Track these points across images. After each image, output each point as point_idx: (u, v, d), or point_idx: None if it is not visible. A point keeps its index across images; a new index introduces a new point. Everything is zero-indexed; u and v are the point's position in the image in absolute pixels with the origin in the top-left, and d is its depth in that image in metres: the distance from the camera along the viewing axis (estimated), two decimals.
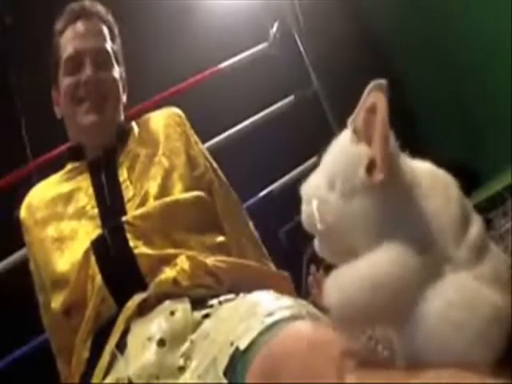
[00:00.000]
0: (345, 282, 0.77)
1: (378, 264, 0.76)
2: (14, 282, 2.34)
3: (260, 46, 3.52)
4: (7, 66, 3.15)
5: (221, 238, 1.59)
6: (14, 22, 3.15)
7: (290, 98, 3.53)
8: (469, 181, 3.32)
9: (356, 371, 0.79)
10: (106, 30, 1.75)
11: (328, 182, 0.82)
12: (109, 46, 1.73)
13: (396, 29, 3.97)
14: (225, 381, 1.02)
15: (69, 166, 1.73)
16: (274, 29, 3.55)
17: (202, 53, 3.47)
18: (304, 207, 0.84)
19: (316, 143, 3.48)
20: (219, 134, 3.21)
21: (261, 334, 1.02)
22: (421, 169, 0.83)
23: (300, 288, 3.14)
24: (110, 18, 1.78)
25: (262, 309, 1.11)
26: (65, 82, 1.70)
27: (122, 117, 1.76)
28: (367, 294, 0.75)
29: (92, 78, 1.66)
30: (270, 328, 1.02)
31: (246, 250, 1.68)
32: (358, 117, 0.80)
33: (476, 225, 0.81)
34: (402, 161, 0.82)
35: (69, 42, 1.70)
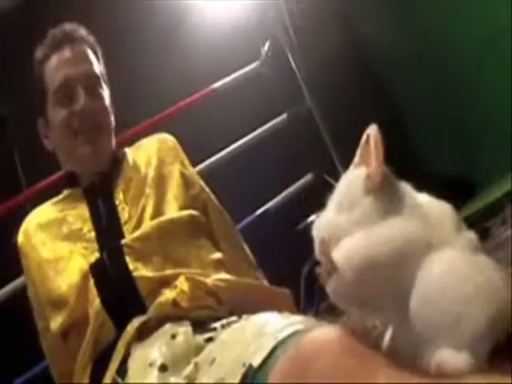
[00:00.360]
0: (354, 241, 0.83)
1: (385, 226, 0.82)
2: (13, 309, 2.33)
3: (252, 65, 3.53)
4: None
5: (218, 255, 1.58)
6: (3, 52, 3.14)
7: (283, 116, 3.54)
8: (465, 191, 3.32)
9: (386, 371, 0.79)
10: (91, 53, 1.71)
11: (337, 208, 0.88)
12: (97, 68, 1.70)
13: (386, 44, 3.99)
14: None
15: (64, 193, 1.72)
16: (266, 47, 3.56)
17: (192, 73, 3.46)
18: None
19: (311, 160, 3.50)
20: (213, 154, 3.20)
21: (275, 349, 0.98)
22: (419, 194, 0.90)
23: (299, 305, 3.14)
24: (91, 39, 1.74)
25: (271, 327, 1.08)
26: (57, 114, 1.65)
27: (114, 142, 1.74)
28: (375, 246, 0.80)
29: (86, 109, 1.62)
30: (284, 341, 0.99)
31: (242, 269, 1.66)
32: (357, 155, 0.89)
33: (470, 232, 0.85)
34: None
35: (56, 70, 1.65)
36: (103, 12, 3.38)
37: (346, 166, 3.18)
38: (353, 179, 0.88)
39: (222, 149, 3.27)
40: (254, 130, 3.42)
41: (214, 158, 3.19)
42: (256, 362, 0.98)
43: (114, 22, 3.40)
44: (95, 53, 1.73)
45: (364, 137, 0.87)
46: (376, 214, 0.83)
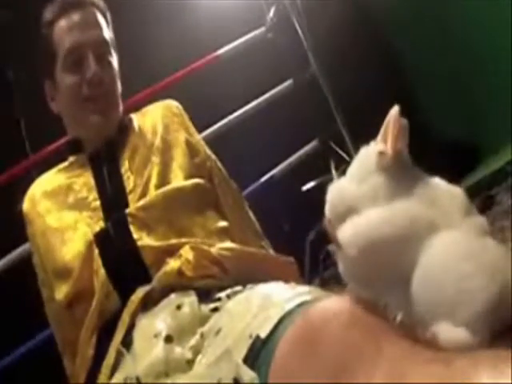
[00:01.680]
0: (358, 221, 0.84)
1: (390, 208, 0.83)
2: (17, 277, 2.34)
3: (257, 31, 3.50)
4: (5, 62, 3.12)
5: (223, 223, 1.58)
6: (12, 19, 3.11)
7: (289, 82, 3.52)
8: (470, 157, 3.32)
9: (394, 344, 0.78)
10: (101, 18, 1.67)
11: (348, 178, 0.90)
12: (107, 34, 1.67)
13: (394, 7, 3.95)
14: (244, 367, 0.98)
15: (70, 159, 1.70)
16: (271, 13, 3.53)
17: (198, 39, 3.44)
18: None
19: (316, 126, 3.48)
20: (218, 120, 3.20)
21: (282, 319, 0.98)
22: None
23: (303, 272, 3.16)
24: (102, 3, 1.70)
25: (277, 298, 1.07)
26: (66, 79, 1.62)
27: (121, 108, 1.72)
28: (379, 226, 0.81)
29: (96, 77, 1.59)
30: (291, 312, 0.99)
31: (247, 237, 1.67)
32: (380, 134, 0.90)
33: (480, 216, 0.85)
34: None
35: (65, 34, 1.61)
36: None
37: (352, 132, 3.17)
38: (369, 153, 0.89)
39: (228, 115, 3.26)
40: (259, 96, 3.41)
41: (219, 124, 3.19)
42: (263, 333, 0.98)
43: None
44: (105, 17, 1.69)
45: (387, 117, 0.88)
46: (383, 193, 0.84)
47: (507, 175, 2.93)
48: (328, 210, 0.89)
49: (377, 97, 3.74)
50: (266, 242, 1.74)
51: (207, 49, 3.34)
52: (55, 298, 1.52)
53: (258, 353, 0.98)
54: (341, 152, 3.43)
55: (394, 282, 0.81)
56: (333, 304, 0.92)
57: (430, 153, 3.82)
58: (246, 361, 0.99)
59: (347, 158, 3.40)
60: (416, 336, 0.79)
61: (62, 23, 1.63)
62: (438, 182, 0.87)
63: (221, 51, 3.31)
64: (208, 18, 3.62)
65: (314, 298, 1.01)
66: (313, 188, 3.40)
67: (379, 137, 0.89)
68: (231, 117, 3.25)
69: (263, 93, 3.42)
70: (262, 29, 3.53)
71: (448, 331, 0.75)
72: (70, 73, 1.61)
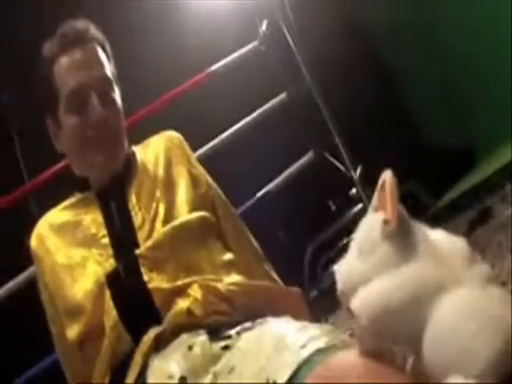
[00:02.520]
0: (368, 290, 0.88)
1: (398, 274, 0.87)
2: (16, 305, 2.36)
3: (250, 45, 3.52)
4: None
5: (229, 255, 1.60)
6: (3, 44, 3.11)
7: (283, 95, 3.54)
8: (464, 160, 3.33)
9: None
10: (102, 54, 1.64)
11: (357, 253, 0.93)
12: (109, 71, 1.64)
13: (383, 18, 3.98)
14: None
15: (76, 197, 1.70)
16: (264, 26, 3.55)
17: (190, 56, 3.45)
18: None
19: (311, 137, 3.49)
20: (214, 136, 3.21)
21: (299, 367, 1.01)
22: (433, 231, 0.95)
23: (303, 286, 3.18)
24: (102, 37, 1.67)
25: (291, 341, 1.10)
26: (70, 120, 1.60)
27: (126, 144, 1.72)
28: (388, 294, 0.85)
29: (100, 118, 1.57)
30: (308, 361, 1.01)
31: (252, 266, 1.69)
32: (374, 199, 0.95)
33: (483, 264, 0.89)
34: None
35: (67, 73, 1.59)
36: None
37: (346, 143, 3.18)
38: (372, 224, 0.93)
39: (222, 130, 3.27)
40: (253, 109, 3.42)
41: (215, 141, 3.20)
42: (281, 380, 1.01)
43: (107, 6, 3.37)
44: (105, 51, 1.66)
45: (380, 182, 0.93)
46: (392, 261, 0.88)
47: (503, 184, 2.95)
48: (340, 291, 0.94)
49: (370, 107, 3.78)
50: (269, 265, 1.75)
51: (201, 64, 3.35)
52: (66, 336, 1.52)
53: None
54: (336, 163, 3.46)
55: (405, 340, 0.85)
56: (349, 356, 0.95)
57: (424, 158, 3.86)
58: None
59: (343, 168, 3.43)
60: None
61: (63, 62, 1.60)
62: (439, 236, 0.93)
63: (214, 67, 3.33)
64: (200, 32, 3.63)
65: (328, 345, 1.05)
66: (310, 200, 3.43)
67: (375, 202, 0.94)
68: (226, 133, 3.27)
69: (257, 107, 3.43)
70: (255, 42, 3.54)
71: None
72: (73, 113, 1.59)
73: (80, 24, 1.65)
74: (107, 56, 1.68)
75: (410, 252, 0.88)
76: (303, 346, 1.06)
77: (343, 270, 0.94)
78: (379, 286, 0.87)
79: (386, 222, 0.90)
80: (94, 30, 1.66)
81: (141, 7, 3.55)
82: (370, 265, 0.90)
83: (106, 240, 1.56)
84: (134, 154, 1.73)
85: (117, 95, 1.67)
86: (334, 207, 3.61)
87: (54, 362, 2.34)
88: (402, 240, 0.89)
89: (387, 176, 0.92)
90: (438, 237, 0.92)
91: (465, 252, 0.89)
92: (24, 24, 3.07)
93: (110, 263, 1.50)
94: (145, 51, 3.48)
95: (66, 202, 1.71)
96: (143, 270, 1.45)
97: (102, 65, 1.63)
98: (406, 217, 0.92)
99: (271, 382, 1.02)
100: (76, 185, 1.71)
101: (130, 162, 1.70)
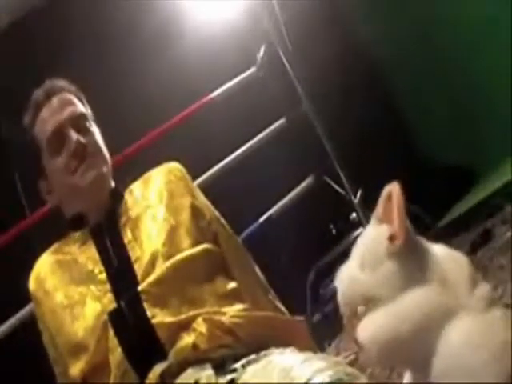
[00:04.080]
0: (376, 320, 0.87)
1: (405, 303, 0.86)
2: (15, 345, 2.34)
3: (248, 71, 3.53)
4: None
5: (233, 285, 1.60)
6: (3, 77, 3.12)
7: (282, 121, 3.55)
8: (464, 179, 3.32)
9: None
10: (74, 98, 1.71)
11: (359, 264, 0.91)
12: (83, 109, 1.71)
13: (381, 44, 4.01)
14: None
15: (70, 236, 1.71)
16: (261, 52, 3.56)
17: (188, 83, 3.46)
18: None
19: (310, 162, 3.49)
20: (214, 163, 3.21)
21: None
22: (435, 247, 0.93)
23: (305, 310, 3.18)
24: (73, 87, 1.74)
25: (296, 374, 1.12)
26: (56, 162, 1.65)
27: (110, 164, 1.74)
28: (396, 324, 0.85)
29: (79, 145, 1.62)
30: None
31: (257, 297, 1.69)
32: (378, 208, 0.92)
33: (484, 284, 0.89)
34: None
35: (44, 122, 1.66)
36: (96, 21, 3.36)
37: (345, 167, 3.17)
38: (376, 237, 0.90)
39: (222, 158, 3.28)
40: (252, 135, 3.43)
41: (215, 168, 3.20)
42: None
43: (107, 32, 3.39)
44: (79, 98, 1.73)
45: (385, 192, 0.90)
46: (398, 281, 0.87)
47: (503, 206, 2.95)
48: (342, 301, 0.92)
49: (369, 130, 3.79)
50: (273, 295, 1.76)
51: (199, 92, 3.36)
52: (69, 374, 1.53)
53: None
54: (336, 187, 3.46)
55: (413, 367, 0.87)
56: None
57: (425, 177, 3.86)
58: None
59: (342, 191, 3.43)
60: None
61: (40, 118, 1.67)
62: (442, 252, 0.91)
63: (213, 94, 3.34)
64: (197, 60, 3.64)
65: (333, 379, 1.07)
66: (311, 224, 3.43)
67: (380, 213, 0.91)
68: (226, 160, 3.27)
69: (257, 133, 3.44)
70: (253, 68, 3.55)
71: None
72: (56, 155, 1.65)
73: (48, 83, 1.73)
74: (81, 101, 1.74)
75: (416, 273, 0.87)
76: (309, 380, 1.08)
77: (344, 278, 0.93)
78: (387, 316, 0.86)
79: (392, 238, 0.87)
80: (62, 83, 1.74)
81: (139, 35, 3.56)
82: (373, 280, 0.88)
83: (103, 275, 1.57)
84: (125, 188, 1.75)
85: (95, 129, 1.72)
86: (334, 231, 3.61)
87: None
88: (407, 259, 0.87)
89: (395, 188, 0.89)
90: (440, 254, 0.90)
91: (468, 272, 0.89)
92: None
93: (109, 298, 1.51)
94: (142, 79, 3.48)
95: (60, 242, 1.72)
96: (146, 305, 1.46)
97: (73, 104, 1.70)
98: (412, 233, 0.90)
99: None
100: (69, 225, 1.72)
101: (121, 197, 1.71)
